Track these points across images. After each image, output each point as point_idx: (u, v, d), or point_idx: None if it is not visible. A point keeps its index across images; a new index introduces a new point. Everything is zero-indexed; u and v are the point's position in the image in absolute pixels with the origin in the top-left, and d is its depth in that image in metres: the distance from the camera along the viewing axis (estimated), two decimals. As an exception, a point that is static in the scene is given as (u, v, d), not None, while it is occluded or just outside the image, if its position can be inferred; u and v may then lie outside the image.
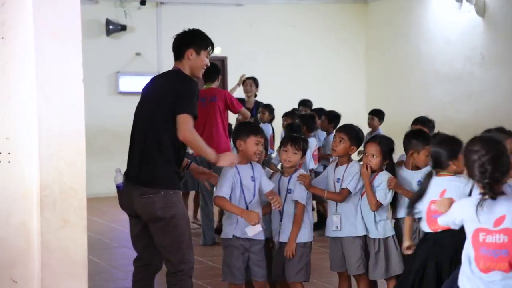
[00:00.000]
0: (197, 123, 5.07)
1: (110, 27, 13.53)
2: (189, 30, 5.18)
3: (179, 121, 4.79)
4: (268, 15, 14.66)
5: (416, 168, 5.57)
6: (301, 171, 5.55)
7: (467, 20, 12.50)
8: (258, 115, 10.14)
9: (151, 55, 13.76)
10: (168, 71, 5.20)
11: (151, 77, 5.24)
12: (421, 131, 5.86)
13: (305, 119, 9.21)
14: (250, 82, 10.66)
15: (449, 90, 12.97)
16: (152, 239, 4.95)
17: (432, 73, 13.39)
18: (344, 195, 5.47)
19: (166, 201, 4.82)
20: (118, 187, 4.95)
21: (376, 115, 10.34)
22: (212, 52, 5.15)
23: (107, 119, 13.43)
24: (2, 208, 3.91)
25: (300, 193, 5.42)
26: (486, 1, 12.14)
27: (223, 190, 5.17)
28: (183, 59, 5.04)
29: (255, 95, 10.73)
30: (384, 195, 5.44)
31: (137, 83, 13.68)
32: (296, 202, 5.42)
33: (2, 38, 3.88)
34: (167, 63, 13.76)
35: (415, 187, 5.47)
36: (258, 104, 10.56)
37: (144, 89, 5.15)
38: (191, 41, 5.05)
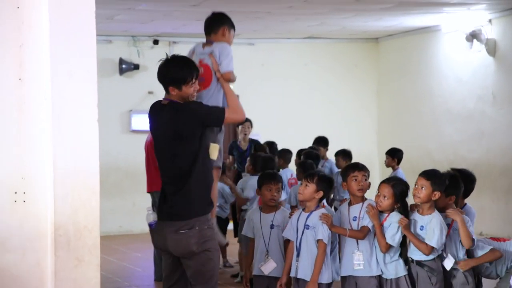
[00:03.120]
0: None
1: (123, 66, 13.64)
2: (165, 64, 5.62)
3: (229, 118, 5.21)
4: (280, 54, 14.73)
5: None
6: (323, 210, 5.56)
7: (478, 60, 12.54)
8: None
9: (163, 94, 13.74)
10: (165, 106, 5.52)
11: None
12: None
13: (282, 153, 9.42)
14: (248, 124, 10.53)
15: (461, 129, 12.96)
16: (183, 274, 5.03)
17: (444, 112, 13.39)
18: (365, 232, 5.48)
19: (201, 236, 4.92)
20: (150, 225, 5.03)
21: (391, 154, 10.14)
22: (195, 80, 5.45)
23: (119, 157, 13.46)
24: (17, 247, 3.92)
25: (323, 233, 5.42)
26: (497, 41, 12.18)
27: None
28: (170, 93, 5.54)
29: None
30: (392, 236, 5.42)
31: (150, 122, 13.79)
32: (318, 241, 5.43)
33: (20, 79, 3.93)
34: (180, 101, 13.78)
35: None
36: (252, 142, 10.41)
37: (151, 128, 5.36)
38: (171, 80, 5.59)
